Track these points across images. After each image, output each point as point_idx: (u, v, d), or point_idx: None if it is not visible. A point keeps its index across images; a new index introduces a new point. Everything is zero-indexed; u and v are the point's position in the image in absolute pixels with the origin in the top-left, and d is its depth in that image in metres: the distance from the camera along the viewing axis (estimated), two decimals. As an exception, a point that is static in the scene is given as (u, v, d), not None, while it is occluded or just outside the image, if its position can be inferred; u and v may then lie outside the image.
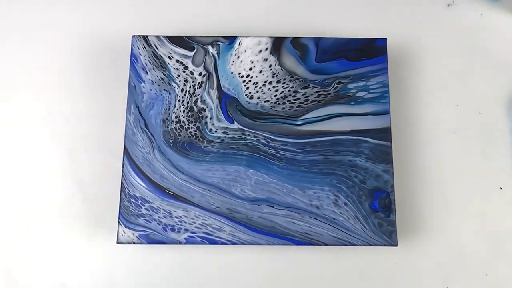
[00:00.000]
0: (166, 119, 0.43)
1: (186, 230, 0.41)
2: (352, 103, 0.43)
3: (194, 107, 0.43)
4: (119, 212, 0.41)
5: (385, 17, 0.49)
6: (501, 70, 0.48)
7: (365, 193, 0.41)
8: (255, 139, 0.42)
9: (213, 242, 0.40)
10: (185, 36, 0.44)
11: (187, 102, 0.43)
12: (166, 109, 0.43)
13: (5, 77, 0.47)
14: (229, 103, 0.43)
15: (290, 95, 0.43)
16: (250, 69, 0.44)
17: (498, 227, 0.44)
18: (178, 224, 0.41)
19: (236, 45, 0.44)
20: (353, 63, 0.44)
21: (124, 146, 0.42)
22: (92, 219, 0.44)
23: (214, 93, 0.43)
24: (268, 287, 0.43)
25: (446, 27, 0.49)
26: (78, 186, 0.45)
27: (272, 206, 0.41)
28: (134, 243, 0.40)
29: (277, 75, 0.44)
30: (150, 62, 0.44)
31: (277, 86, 0.43)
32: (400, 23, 0.49)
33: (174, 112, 0.43)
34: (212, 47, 0.44)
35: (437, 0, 0.50)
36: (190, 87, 0.43)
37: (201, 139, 0.42)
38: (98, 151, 0.45)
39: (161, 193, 0.41)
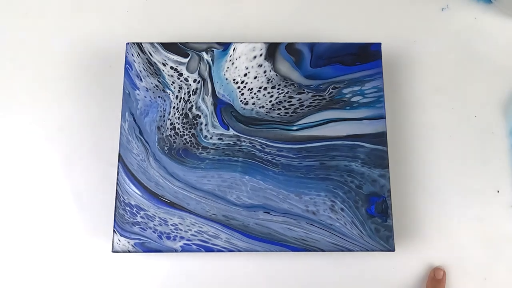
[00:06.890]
0: (161, 126, 0.43)
1: (182, 237, 0.40)
2: (347, 108, 0.43)
3: (189, 113, 0.43)
4: (114, 220, 0.40)
5: (379, 22, 0.49)
6: (495, 72, 0.48)
7: (362, 198, 0.41)
8: (251, 145, 0.42)
9: (209, 250, 0.40)
10: (179, 43, 0.44)
11: (182, 109, 0.43)
12: (161, 116, 0.43)
13: (-1, 85, 0.47)
14: (224, 110, 0.43)
15: (285, 100, 0.43)
16: (245, 75, 0.44)
17: (496, 231, 0.44)
18: (173, 232, 0.40)
19: (231, 51, 0.44)
20: (348, 68, 0.44)
21: (119, 153, 0.42)
22: (87, 227, 0.44)
23: (209, 99, 0.43)
24: (265, 294, 0.43)
25: (440, 31, 0.49)
26: (73, 194, 0.44)
27: (268, 213, 0.41)
28: (129, 251, 0.40)
29: (272, 81, 0.44)
30: (144, 69, 0.44)
31: (272, 92, 0.43)
32: (395, 28, 0.49)
33: (169, 119, 0.43)
34: (207, 53, 0.44)
35: (431, 4, 0.50)
36: (184, 93, 0.43)
37: (196, 146, 0.42)
38: (92, 158, 0.45)
39: (156, 200, 0.41)
